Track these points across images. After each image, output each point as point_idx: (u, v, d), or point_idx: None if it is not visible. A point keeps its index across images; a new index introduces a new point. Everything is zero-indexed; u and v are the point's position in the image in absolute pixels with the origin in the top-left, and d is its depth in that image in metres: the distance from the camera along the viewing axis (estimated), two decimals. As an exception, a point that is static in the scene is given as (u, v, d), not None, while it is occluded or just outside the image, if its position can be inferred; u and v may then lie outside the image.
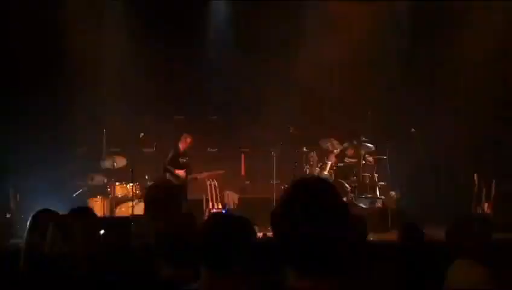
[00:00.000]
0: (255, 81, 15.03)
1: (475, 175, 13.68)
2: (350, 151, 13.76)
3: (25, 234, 5.13)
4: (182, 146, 12.86)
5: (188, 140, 12.86)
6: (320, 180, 2.09)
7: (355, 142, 13.81)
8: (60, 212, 5.30)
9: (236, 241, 2.88)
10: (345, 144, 13.81)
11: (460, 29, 14.19)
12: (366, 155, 13.72)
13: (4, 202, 12.06)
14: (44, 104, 13.65)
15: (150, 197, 4.35)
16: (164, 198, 4.26)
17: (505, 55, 14.51)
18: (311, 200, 1.95)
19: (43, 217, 5.06)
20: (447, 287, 4.62)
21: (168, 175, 12.64)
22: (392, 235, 11.28)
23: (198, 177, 12.90)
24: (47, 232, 4.58)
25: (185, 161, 12.78)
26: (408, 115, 14.05)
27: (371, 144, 13.76)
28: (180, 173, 12.60)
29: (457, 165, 13.86)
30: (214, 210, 12.50)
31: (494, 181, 13.52)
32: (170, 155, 12.83)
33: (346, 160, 13.60)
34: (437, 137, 13.64)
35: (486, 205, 13.38)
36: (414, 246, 5.94)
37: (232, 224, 2.96)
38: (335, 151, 13.72)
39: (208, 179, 12.90)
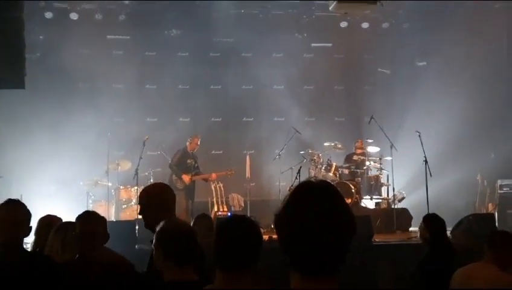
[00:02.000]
0: (260, 83, 15.08)
1: (479, 175, 13.69)
2: (359, 148, 13.76)
3: (33, 238, 5.16)
4: (190, 147, 12.87)
5: (196, 141, 12.87)
6: (324, 183, 2.08)
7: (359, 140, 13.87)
8: (65, 216, 5.33)
9: (249, 243, 2.94)
10: (356, 143, 13.85)
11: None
12: (371, 158, 13.73)
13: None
14: (49, 108, 13.70)
15: (143, 199, 4.36)
16: (157, 200, 4.27)
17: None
18: (315, 202, 1.94)
19: (47, 222, 5.08)
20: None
21: (174, 176, 12.64)
22: (397, 236, 11.30)
23: (211, 178, 12.88)
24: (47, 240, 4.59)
25: (192, 162, 12.79)
26: (412, 116, 14.05)
27: (376, 145, 13.77)
28: (186, 178, 12.57)
29: (461, 166, 13.85)
30: (220, 213, 12.51)
31: (498, 181, 13.53)
32: (178, 156, 12.81)
33: (355, 157, 13.59)
34: (441, 138, 13.64)
35: (490, 205, 13.38)
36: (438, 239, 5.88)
37: (244, 226, 3.01)
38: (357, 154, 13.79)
39: (214, 182, 12.90)
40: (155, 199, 4.27)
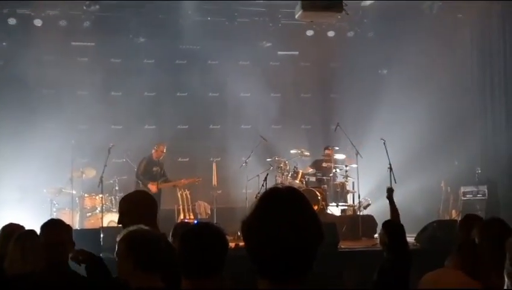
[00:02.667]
0: (227, 91, 15.08)
1: (443, 182, 13.87)
2: (328, 155, 13.80)
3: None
4: (155, 155, 12.79)
5: (161, 148, 12.79)
6: (290, 189, 2.08)
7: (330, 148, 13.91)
8: (28, 224, 5.23)
9: (213, 250, 2.93)
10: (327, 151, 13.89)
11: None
12: (337, 165, 13.82)
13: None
14: (12, 115, 13.54)
15: (123, 208, 4.29)
16: (139, 209, 4.22)
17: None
18: (282, 209, 1.94)
19: (8, 231, 4.97)
20: None
21: (140, 185, 12.55)
22: (362, 243, 11.38)
23: (180, 184, 12.81)
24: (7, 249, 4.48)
25: (158, 169, 12.71)
26: (377, 124, 14.18)
27: (341, 153, 13.87)
28: (153, 188, 12.47)
29: (425, 173, 14.01)
30: (186, 221, 12.43)
31: (461, 188, 13.73)
32: (143, 164, 12.72)
33: (324, 164, 13.65)
34: (405, 145, 13.78)
35: (453, 211, 13.56)
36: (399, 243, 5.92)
37: (209, 233, 3.00)
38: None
39: (180, 190, 12.84)
40: (136, 208, 4.20)
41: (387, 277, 5.76)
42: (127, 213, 4.18)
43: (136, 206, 4.23)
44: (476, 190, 13.71)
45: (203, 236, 2.97)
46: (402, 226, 6.12)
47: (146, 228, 3.66)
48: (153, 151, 12.80)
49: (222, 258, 2.95)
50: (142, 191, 5.07)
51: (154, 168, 12.68)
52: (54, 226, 4.28)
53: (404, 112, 14.66)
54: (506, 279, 3.85)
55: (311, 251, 1.94)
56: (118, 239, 3.58)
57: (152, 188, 12.45)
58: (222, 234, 3.03)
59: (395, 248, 5.94)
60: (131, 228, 3.61)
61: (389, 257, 5.97)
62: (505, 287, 3.77)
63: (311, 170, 13.79)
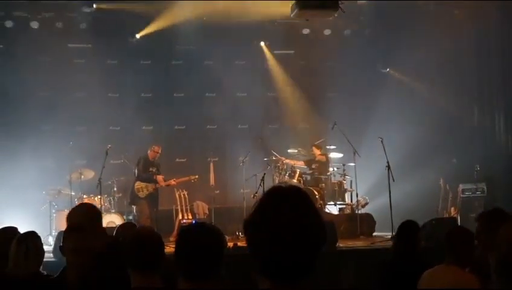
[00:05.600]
0: (223, 91, 15.08)
1: (441, 180, 13.87)
2: (317, 152, 13.78)
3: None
4: (151, 155, 12.77)
5: (156, 149, 12.76)
6: (294, 188, 2.06)
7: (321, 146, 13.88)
8: (28, 226, 5.23)
9: (211, 250, 2.93)
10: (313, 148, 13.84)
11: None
12: (334, 165, 13.82)
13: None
14: (9, 116, 13.54)
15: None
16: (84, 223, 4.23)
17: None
18: (286, 207, 1.92)
19: (6, 234, 4.96)
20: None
21: (137, 183, 12.54)
22: (361, 241, 11.39)
23: (171, 184, 12.78)
24: (9, 251, 4.48)
25: (154, 170, 12.70)
26: (375, 122, 14.18)
27: (339, 151, 13.86)
28: (160, 178, 12.53)
29: (424, 171, 14.01)
30: (184, 221, 12.44)
31: (460, 186, 13.73)
32: (142, 163, 12.70)
33: (313, 165, 13.64)
34: (403, 143, 13.78)
35: (452, 209, 13.56)
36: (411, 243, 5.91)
37: (205, 233, 2.99)
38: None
39: (178, 190, 12.83)
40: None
41: (396, 274, 5.77)
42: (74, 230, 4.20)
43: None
44: (474, 187, 13.70)
45: (200, 236, 2.97)
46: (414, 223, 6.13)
47: (146, 227, 3.67)
48: (149, 151, 12.79)
49: (218, 258, 2.94)
50: (87, 203, 5.15)
51: (151, 168, 12.68)
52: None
53: (401, 110, 14.66)
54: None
55: (314, 250, 1.93)
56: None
57: (160, 178, 12.50)
58: (219, 233, 3.03)
59: (402, 245, 5.95)
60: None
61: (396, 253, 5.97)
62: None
63: (305, 166, 13.78)
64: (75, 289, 3.76)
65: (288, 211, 1.92)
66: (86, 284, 3.73)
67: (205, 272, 2.87)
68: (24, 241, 4.46)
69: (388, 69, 15.90)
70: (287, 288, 1.91)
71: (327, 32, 15.63)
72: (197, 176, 13.01)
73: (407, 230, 6.06)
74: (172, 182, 12.78)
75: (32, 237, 4.50)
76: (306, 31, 15.57)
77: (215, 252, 2.93)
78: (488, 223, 4.35)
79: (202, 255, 2.88)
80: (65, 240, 3.88)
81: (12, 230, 5.01)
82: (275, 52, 16.03)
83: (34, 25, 14.11)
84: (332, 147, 13.93)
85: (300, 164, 13.88)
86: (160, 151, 12.80)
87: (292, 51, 16.20)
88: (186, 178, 12.97)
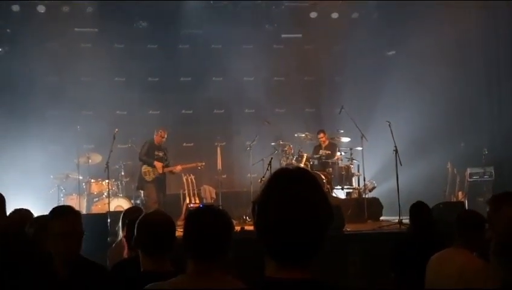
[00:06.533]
0: (230, 75, 15.04)
1: (449, 164, 13.83)
2: (324, 141, 13.75)
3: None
4: (156, 140, 12.75)
5: (161, 133, 12.71)
6: (301, 169, 2.07)
7: (328, 135, 13.81)
8: (36, 211, 5.25)
9: (217, 231, 2.94)
10: (320, 134, 13.78)
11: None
12: (341, 149, 13.78)
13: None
14: (17, 101, 13.57)
15: None
16: None
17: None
18: (293, 188, 1.92)
19: (19, 216, 5.00)
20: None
21: (143, 167, 12.53)
22: (368, 225, 11.38)
23: (176, 170, 12.76)
24: (25, 232, 4.50)
25: (160, 155, 12.69)
26: (382, 106, 14.14)
27: (346, 136, 13.82)
28: (159, 165, 12.50)
29: (431, 155, 13.98)
30: (192, 205, 12.46)
31: (467, 170, 13.69)
32: (145, 147, 12.68)
33: (321, 152, 13.63)
34: (411, 127, 13.74)
35: (460, 193, 13.53)
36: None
37: (212, 214, 3.02)
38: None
39: (185, 174, 12.84)
40: None
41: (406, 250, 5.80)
42: None
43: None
44: (482, 171, 13.64)
45: (207, 216, 2.99)
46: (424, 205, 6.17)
47: (158, 210, 3.69)
48: (155, 136, 12.76)
49: (226, 239, 2.95)
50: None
51: (156, 152, 12.64)
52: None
53: (409, 93, 14.60)
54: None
55: (321, 231, 1.92)
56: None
57: (158, 165, 12.47)
58: (225, 215, 3.04)
59: (416, 224, 6.00)
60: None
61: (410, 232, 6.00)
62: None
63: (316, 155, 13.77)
64: (63, 273, 3.80)
65: (295, 192, 1.91)
66: (70, 267, 3.79)
67: (212, 252, 2.89)
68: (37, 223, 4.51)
69: (395, 53, 15.80)
70: (294, 269, 1.90)
71: (335, 15, 15.57)
72: (203, 163, 12.99)
73: (418, 210, 6.11)
74: (179, 167, 12.76)
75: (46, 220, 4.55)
76: (314, 15, 15.51)
77: (222, 233, 2.95)
78: (499, 206, 4.34)
79: (209, 235, 2.90)
80: (50, 224, 3.90)
81: (26, 212, 5.05)
82: (283, 35, 15.97)
83: (41, 9, 14.12)
84: (340, 131, 13.86)
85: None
86: (165, 136, 12.76)
87: (300, 35, 16.12)
88: (193, 164, 12.95)
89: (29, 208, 5.25)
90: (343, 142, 13.87)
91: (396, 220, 10.56)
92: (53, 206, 4.21)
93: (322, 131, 13.80)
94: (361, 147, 12.95)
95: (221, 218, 2.99)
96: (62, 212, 3.89)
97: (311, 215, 1.89)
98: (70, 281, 3.67)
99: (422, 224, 5.98)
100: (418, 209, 6.15)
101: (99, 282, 3.84)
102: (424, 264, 4.73)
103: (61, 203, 12.42)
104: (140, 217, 3.74)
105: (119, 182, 13.08)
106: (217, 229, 2.93)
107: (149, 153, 12.59)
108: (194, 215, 3.06)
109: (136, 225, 3.65)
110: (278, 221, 1.89)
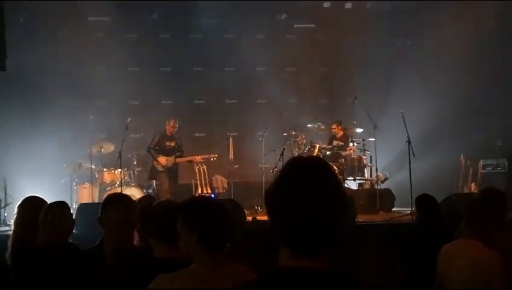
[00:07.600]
0: (243, 65, 15.01)
1: (462, 155, 13.76)
2: (338, 132, 13.72)
3: (14, 221, 5.09)
4: (168, 130, 12.76)
5: (172, 123, 12.71)
6: (315, 158, 2.06)
7: (342, 125, 13.77)
8: (49, 199, 5.26)
9: (229, 221, 2.97)
10: (333, 125, 13.75)
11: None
12: (354, 140, 13.74)
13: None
14: (30, 91, 13.61)
15: None
16: None
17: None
18: (307, 177, 1.91)
19: (31, 204, 5.00)
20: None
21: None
22: (380, 216, 11.36)
23: (195, 159, 12.77)
24: (38, 221, 4.51)
25: (172, 145, 12.70)
26: (395, 97, 14.07)
27: (359, 126, 13.78)
28: (162, 160, 12.52)
29: (444, 146, 13.92)
30: (203, 195, 12.48)
31: (480, 161, 13.61)
32: (156, 139, 12.71)
33: (335, 143, 13.60)
34: (424, 118, 13.67)
35: (473, 185, 13.47)
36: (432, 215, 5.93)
37: (224, 205, 3.03)
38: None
39: (197, 164, 12.85)
40: None
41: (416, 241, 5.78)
42: None
43: None
44: (495, 163, 13.55)
45: (211, 205, 3.04)
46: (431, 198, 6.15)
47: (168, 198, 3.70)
48: (166, 126, 12.77)
49: (236, 227, 2.98)
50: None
51: (167, 143, 12.65)
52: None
53: (422, 84, 14.53)
54: None
55: (335, 220, 1.91)
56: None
57: (161, 160, 12.49)
58: (222, 204, 3.07)
59: (422, 217, 5.98)
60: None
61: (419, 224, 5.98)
62: None
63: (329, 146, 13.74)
64: (112, 260, 3.80)
65: (309, 181, 1.90)
66: (121, 256, 3.77)
67: (218, 241, 2.93)
68: (51, 213, 4.51)
69: (409, 44, 15.72)
70: (308, 259, 1.89)
71: (348, 5, 15.49)
72: (216, 155, 12.99)
73: (424, 202, 6.08)
74: (197, 157, 12.76)
75: (61, 207, 4.56)
76: (327, 4, 15.43)
77: (228, 222, 2.98)
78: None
79: (219, 224, 2.95)
80: (105, 212, 3.90)
81: (39, 200, 5.06)
82: (296, 25, 15.92)
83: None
84: (353, 122, 13.81)
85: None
86: (177, 125, 12.76)
87: (313, 25, 16.06)
88: (207, 155, 12.96)
89: (42, 197, 5.26)
90: (356, 132, 13.83)
91: (409, 212, 10.52)
92: (66, 195, 4.24)
93: (336, 122, 13.76)
94: (374, 138, 12.91)
95: (232, 208, 3.01)
96: (119, 202, 3.94)
97: (326, 205, 1.88)
98: (119, 268, 3.69)
99: (428, 216, 5.96)
100: (423, 201, 6.12)
101: (145, 271, 3.88)
102: (428, 256, 4.71)
103: (74, 193, 12.52)
104: (152, 204, 3.76)
105: (131, 172, 13.11)
106: (228, 219, 2.98)
107: (160, 145, 12.61)
108: (206, 205, 3.08)
109: (149, 212, 3.67)
110: (291, 210, 1.87)
